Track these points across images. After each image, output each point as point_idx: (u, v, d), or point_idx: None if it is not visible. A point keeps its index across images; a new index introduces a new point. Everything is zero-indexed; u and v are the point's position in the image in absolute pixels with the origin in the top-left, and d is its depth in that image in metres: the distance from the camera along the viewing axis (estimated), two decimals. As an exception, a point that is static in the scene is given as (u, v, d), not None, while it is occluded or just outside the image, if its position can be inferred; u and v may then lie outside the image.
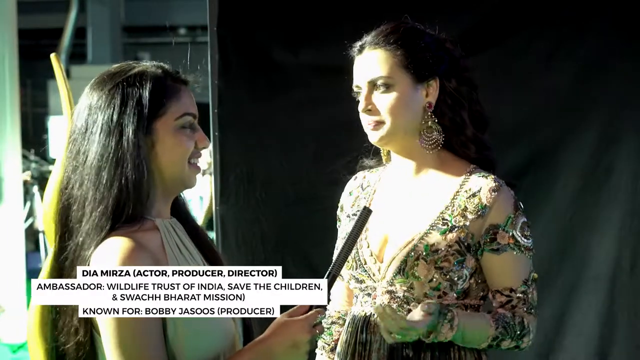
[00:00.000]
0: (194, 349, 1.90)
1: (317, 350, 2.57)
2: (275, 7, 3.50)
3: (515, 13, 3.36)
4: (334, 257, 2.11)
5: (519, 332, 2.28)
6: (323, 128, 3.46)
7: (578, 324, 3.37)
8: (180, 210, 2.07)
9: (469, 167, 2.37)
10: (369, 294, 2.38)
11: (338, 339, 2.52)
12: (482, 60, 3.29)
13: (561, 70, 3.34)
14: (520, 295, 2.31)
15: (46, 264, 3.34)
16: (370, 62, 2.35)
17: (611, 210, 3.33)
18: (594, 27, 3.33)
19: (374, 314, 2.34)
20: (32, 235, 10.95)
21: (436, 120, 2.35)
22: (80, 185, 1.93)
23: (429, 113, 2.35)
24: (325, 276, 2.02)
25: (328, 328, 2.57)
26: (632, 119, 3.34)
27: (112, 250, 1.85)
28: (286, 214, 3.50)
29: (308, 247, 3.44)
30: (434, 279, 2.28)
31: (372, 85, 2.35)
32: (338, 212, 2.57)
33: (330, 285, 2.02)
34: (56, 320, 1.97)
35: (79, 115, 1.97)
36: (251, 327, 2.08)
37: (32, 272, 8.39)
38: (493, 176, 2.34)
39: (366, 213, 2.10)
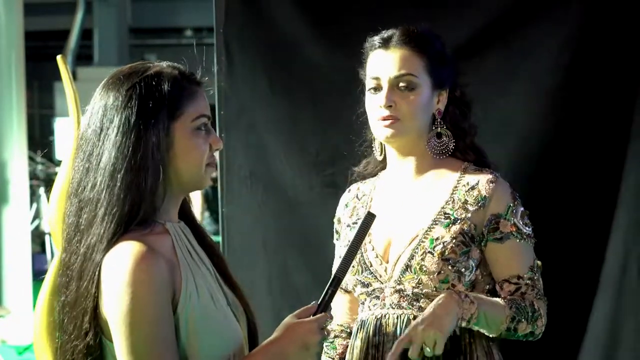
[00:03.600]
0: (205, 353, 1.89)
1: None
2: (281, 10, 3.50)
3: (522, 13, 3.35)
4: (338, 264, 2.11)
5: (531, 314, 2.33)
6: (325, 131, 3.46)
7: (585, 326, 3.35)
8: (186, 213, 2.06)
9: (463, 164, 2.45)
10: (377, 297, 2.39)
11: (342, 352, 2.55)
12: (489, 60, 3.29)
13: (568, 71, 3.32)
14: (528, 281, 2.37)
15: (52, 265, 3.35)
16: (398, 59, 2.39)
17: (618, 212, 3.32)
18: (602, 28, 3.31)
19: (385, 316, 2.37)
20: (38, 237, 10.97)
21: (445, 127, 2.42)
22: (92, 187, 1.90)
23: (439, 120, 2.42)
24: (330, 281, 2.02)
25: (331, 342, 2.58)
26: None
27: (125, 254, 1.84)
28: (287, 217, 3.49)
29: (309, 251, 3.42)
30: (442, 272, 2.33)
31: (395, 83, 2.38)
32: (335, 225, 2.60)
33: (335, 288, 2.03)
34: (64, 322, 1.95)
35: (93, 115, 1.93)
36: (255, 331, 2.08)
37: (38, 274, 8.41)
38: (489, 169, 2.43)
39: (369, 218, 2.12)
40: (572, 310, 3.33)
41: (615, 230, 3.32)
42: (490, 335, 2.34)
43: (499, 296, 2.37)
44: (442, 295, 2.28)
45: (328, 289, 2.02)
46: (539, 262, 2.41)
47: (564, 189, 3.35)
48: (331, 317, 2.01)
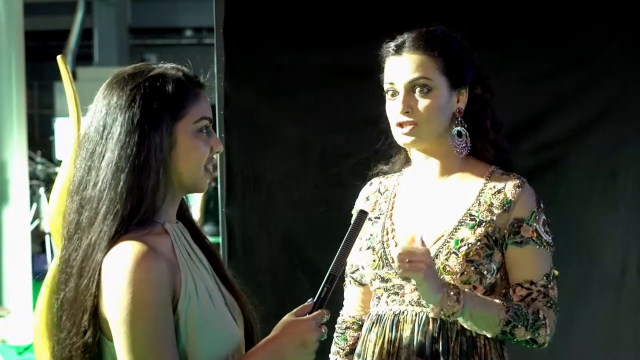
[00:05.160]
0: (204, 353, 1.90)
1: (330, 356, 2.60)
2: (282, 9, 3.50)
3: (519, 15, 3.35)
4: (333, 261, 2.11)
5: (531, 321, 2.32)
6: (328, 130, 3.46)
7: (585, 326, 3.36)
8: (184, 214, 2.06)
9: (490, 167, 2.46)
10: (396, 293, 2.41)
11: (353, 343, 2.56)
12: (486, 62, 3.29)
13: (566, 73, 3.33)
14: (540, 288, 2.37)
15: (52, 265, 3.35)
16: (411, 65, 2.39)
17: (617, 212, 3.33)
18: (599, 30, 3.32)
19: (403, 312, 2.39)
20: (38, 237, 10.96)
21: (465, 126, 2.42)
22: (94, 185, 1.90)
23: (459, 119, 2.42)
24: (325, 278, 2.03)
25: (342, 333, 2.60)
26: (637, 122, 3.33)
27: (126, 254, 1.84)
28: (292, 217, 3.50)
29: (314, 250, 3.43)
30: (465, 273, 2.34)
31: (411, 87, 2.39)
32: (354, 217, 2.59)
33: (331, 286, 2.03)
34: (62, 319, 1.95)
35: (96, 114, 1.93)
36: (252, 331, 2.08)
37: (38, 274, 8.42)
38: (516, 174, 2.44)
39: (362, 215, 2.14)
40: (572, 310, 3.33)
41: (615, 231, 3.33)
42: (488, 335, 2.35)
43: (510, 300, 2.38)
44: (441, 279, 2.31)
45: (324, 286, 2.03)
46: (556, 272, 2.41)
47: (563, 188, 3.36)
48: (328, 314, 2.01)
